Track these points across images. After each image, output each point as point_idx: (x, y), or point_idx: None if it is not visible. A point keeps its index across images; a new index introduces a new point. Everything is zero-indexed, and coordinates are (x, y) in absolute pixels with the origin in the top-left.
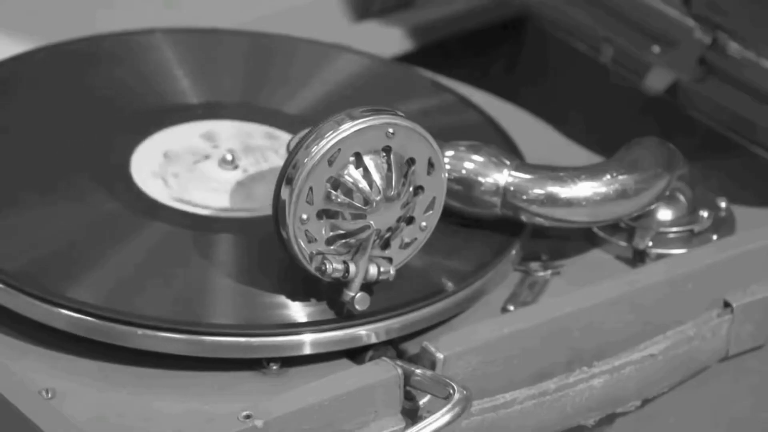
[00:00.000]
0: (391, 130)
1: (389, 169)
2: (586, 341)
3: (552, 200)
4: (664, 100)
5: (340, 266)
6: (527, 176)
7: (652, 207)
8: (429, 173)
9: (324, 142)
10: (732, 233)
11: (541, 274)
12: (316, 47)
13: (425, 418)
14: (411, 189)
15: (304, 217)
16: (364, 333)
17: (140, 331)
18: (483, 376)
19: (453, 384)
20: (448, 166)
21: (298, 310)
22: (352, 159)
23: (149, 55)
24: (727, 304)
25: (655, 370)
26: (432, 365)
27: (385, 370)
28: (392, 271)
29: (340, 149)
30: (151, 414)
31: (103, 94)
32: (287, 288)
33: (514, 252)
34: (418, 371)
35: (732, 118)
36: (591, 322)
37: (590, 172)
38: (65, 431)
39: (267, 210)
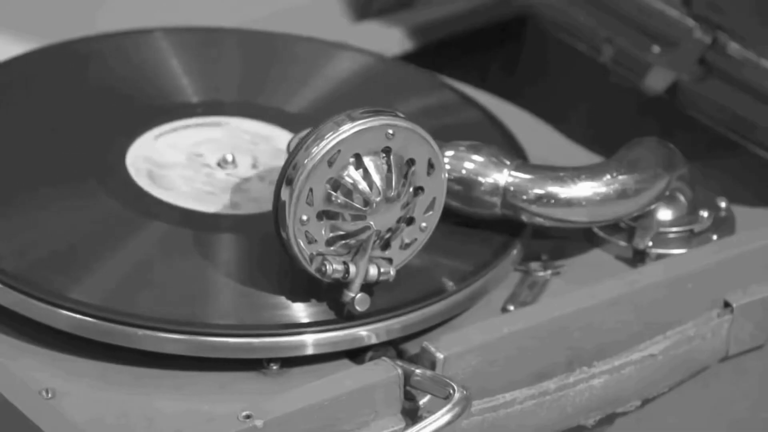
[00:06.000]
0: (390, 131)
1: (389, 169)
2: (586, 341)
3: (552, 200)
4: (664, 100)
5: (340, 267)
6: (527, 176)
7: (652, 207)
8: (429, 174)
9: (324, 143)
10: (732, 233)
11: (541, 274)
12: (317, 45)
13: (425, 418)
14: (411, 190)
15: (304, 218)
16: (365, 333)
17: (140, 331)
18: (483, 376)
19: (453, 384)
20: (448, 166)
21: (298, 311)
22: (352, 160)
23: (149, 55)
24: (727, 304)
25: (655, 370)
26: (432, 365)
27: (385, 370)
28: (392, 272)
29: (339, 150)
30: (151, 414)
31: (103, 94)
32: (287, 288)
33: (514, 252)
34: (418, 371)
35: (732, 118)
36: (591, 322)
37: (590, 172)
38: (65, 431)
39: (267, 210)
